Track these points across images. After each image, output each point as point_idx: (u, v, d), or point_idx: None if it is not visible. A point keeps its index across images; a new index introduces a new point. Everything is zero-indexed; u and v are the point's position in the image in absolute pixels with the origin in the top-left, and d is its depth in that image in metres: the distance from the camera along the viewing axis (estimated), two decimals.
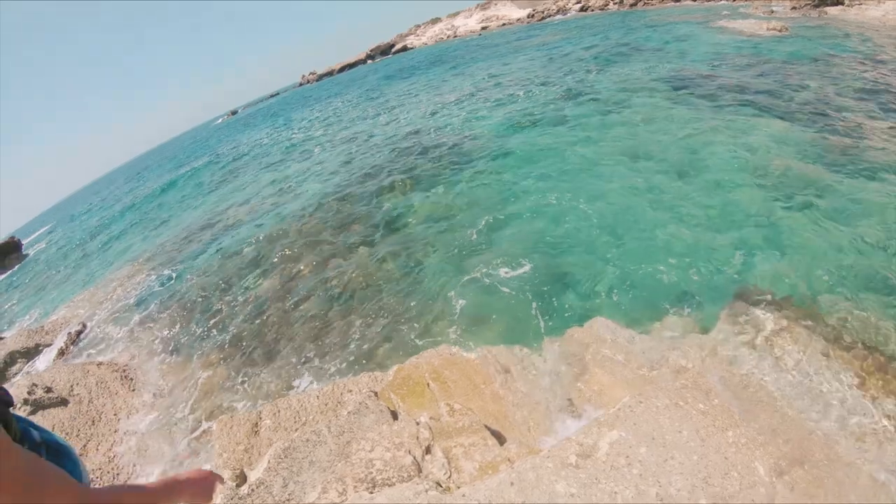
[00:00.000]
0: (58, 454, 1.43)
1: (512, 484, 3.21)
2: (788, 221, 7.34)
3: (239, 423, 5.06)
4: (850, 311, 5.50)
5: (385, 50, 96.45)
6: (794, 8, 27.36)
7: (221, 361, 8.14)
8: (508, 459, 3.77)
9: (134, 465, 6.31)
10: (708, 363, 4.42)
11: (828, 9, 25.05)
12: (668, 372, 4.38)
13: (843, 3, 25.13)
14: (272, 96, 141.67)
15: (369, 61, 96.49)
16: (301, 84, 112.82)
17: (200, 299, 10.67)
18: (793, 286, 6.07)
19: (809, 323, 5.42)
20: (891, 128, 9.47)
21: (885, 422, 4.28)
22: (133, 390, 8.16)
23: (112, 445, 6.82)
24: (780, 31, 20.81)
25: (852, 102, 11.16)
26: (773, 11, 27.82)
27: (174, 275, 12.69)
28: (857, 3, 24.27)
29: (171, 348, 9.12)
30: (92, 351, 10.15)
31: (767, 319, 5.54)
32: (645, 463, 3.24)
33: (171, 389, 7.86)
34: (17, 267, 28.43)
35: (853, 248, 6.51)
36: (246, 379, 7.42)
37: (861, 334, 5.18)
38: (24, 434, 1.33)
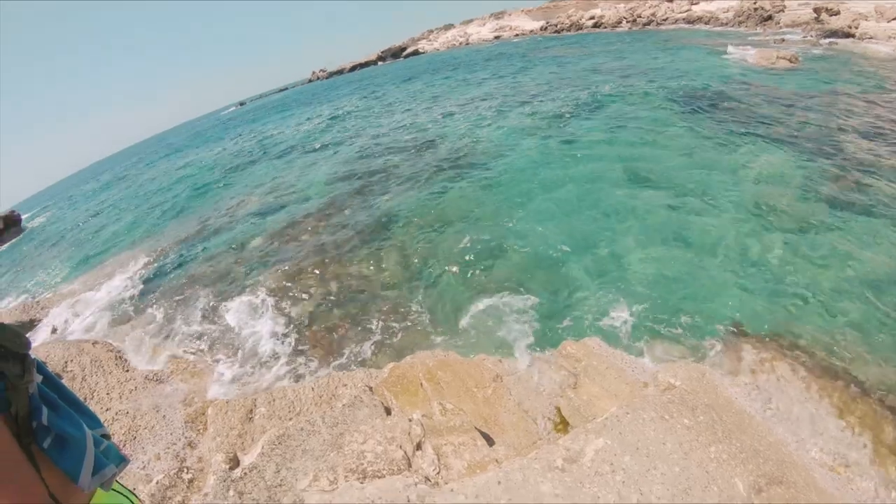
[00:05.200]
0: (63, 445, 1.33)
1: (499, 483, 3.32)
2: (783, 256, 7.50)
3: (234, 409, 5.16)
4: (832, 346, 5.68)
5: (396, 53, 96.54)
6: (804, 38, 27.62)
7: (216, 347, 8.22)
8: (496, 460, 3.89)
9: (124, 445, 6.36)
10: (695, 384, 4.54)
11: (838, 41, 25.25)
12: (656, 388, 4.50)
13: (853, 37, 25.34)
14: (281, 90, 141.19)
15: (380, 63, 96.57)
16: (311, 80, 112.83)
17: (198, 284, 10.74)
18: (780, 319, 6.25)
19: (793, 355, 5.60)
20: (887, 169, 9.62)
21: (858, 454, 4.42)
22: (127, 370, 8.21)
23: (105, 424, 6.85)
24: (790, 60, 20.95)
25: (855, 139, 11.30)
26: (783, 41, 28.02)
27: (176, 262, 12.74)
28: (868, 37, 24.48)
29: (165, 331, 9.17)
30: (87, 329, 10.21)
31: (758, 350, 5.71)
32: (628, 471, 3.36)
33: (166, 373, 7.91)
34: (15, 240, 28.43)
35: (840, 287, 6.69)
36: (240, 366, 7.50)
37: (842, 369, 5.35)
38: (33, 412, 1.25)
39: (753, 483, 3.48)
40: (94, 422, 1.70)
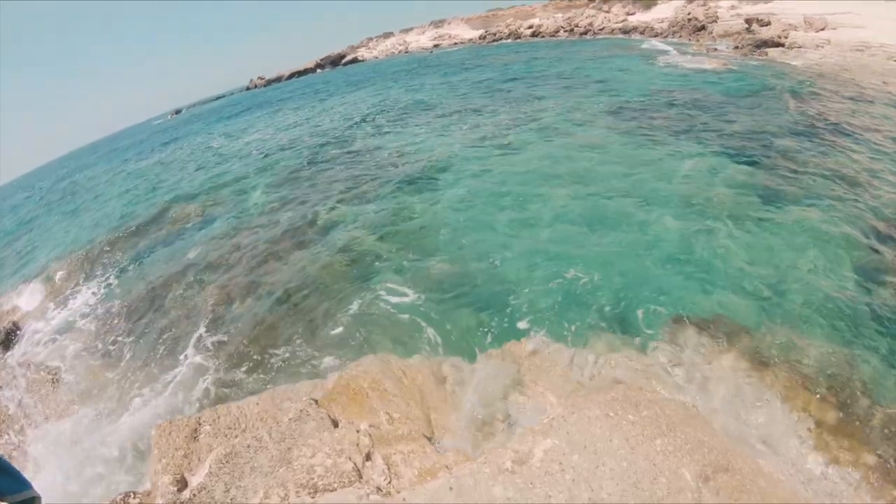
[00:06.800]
0: None
1: (451, 489, 3.32)
2: (718, 249, 7.72)
3: (178, 429, 5.00)
4: (773, 336, 5.84)
5: (336, 60, 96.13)
6: (736, 48, 28.59)
7: (154, 364, 7.98)
8: (446, 466, 3.88)
9: (67, 471, 6.12)
10: (639, 379, 4.63)
11: (768, 50, 26.20)
12: (600, 385, 4.58)
13: (782, 46, 26.34)
14: (218, 98, 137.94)
15: (319, 70, 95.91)
16: (249, 88, 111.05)
17: (134, 300, 10.42)
18: (721, 310, 6.40)
19: (735, 345, 5.74)
20: (815, 165, 10.07)
21: (802, 438, 4.56)
22: (65, 394, 7.91)
23: (42, 449, 6.59)
24: (721, 68, 21.72)
25: (782, 140, 11.79)
26: (716, 50, 28.98)
27: (107, 274, 12.38)
28: (797, 46, 25.48)
29: (104, 351, 8.86)
30: (23, 352, 9.81)
31: (697, 341, 5.84)
32: (577, 469, 3.40)
33: (105, 394, 7.63)
34: None
35: (776, 276, 6.92)
36: (180, 383, 7.29)
37: (784, 357, 5.51)
38: None
39: (700, 472, 3.56)
40: (18, 483, 1.55)
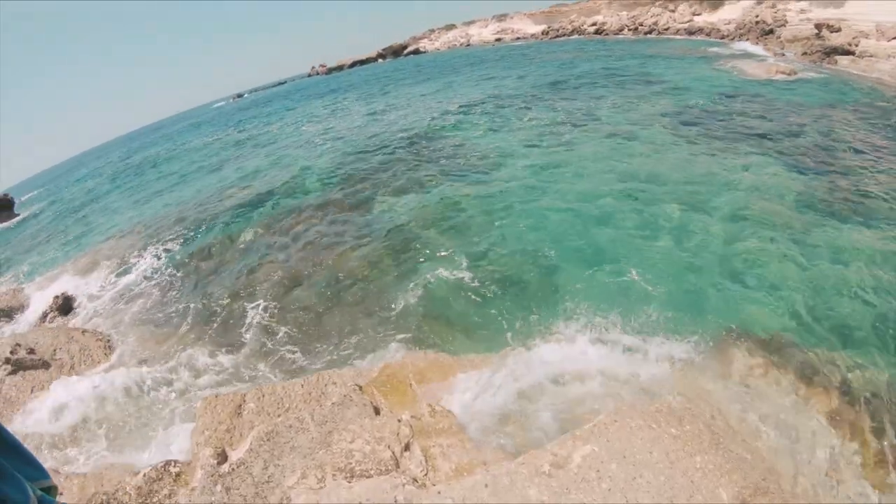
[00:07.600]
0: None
1: (486, 486, 3.34)
2: (774, 263, 7.50)
3: (223, 404, 5.15)
4: (824, 354, 5.67)
5: (397, 51, 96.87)
6: (804, 54, 27.58)
7: (206, 339, 8.21)
8: (484, 463, 3.90)
9: (111, 436, 6.35)
10: (684, 391, 4.57)
11: (838, 58, 25.19)
12: (644, 395, 4.54)
13: (852, 54, 25.27)
14: (279, 84, 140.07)
15: (380, 60, 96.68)
16: (310, 75, 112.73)
17: (191, 275, 10.77)
18: (775, 327, 6.23)
19: (784, 362, 5.58)
20: (886, 181, 9.68)
21: (848, 461, 4.43)
22: (114, 359, 8.19)
23: (89, 415, 6.83)
24: (787, 75, 20.97)
25: (849, 154, 11.34)
26: (783, 55, 28.02)
27: (167, 248, 12.78)
28: (868, 55, 24.43)
29: (155, 320, 9.18)
30: (76, 316, 10.19)
31: (745, 356, 5.70)
32: (614, 478, 3.38)
33: (153, 362, 7.87)
34: (9, 224, 28.28)
35: (832, 294, 6.70)
36: (229, 359, 7.48)
37: (832, 376, 5.36)
38: None
39: (738, 494, 3.50)
40: (38, 472, 1.58)
